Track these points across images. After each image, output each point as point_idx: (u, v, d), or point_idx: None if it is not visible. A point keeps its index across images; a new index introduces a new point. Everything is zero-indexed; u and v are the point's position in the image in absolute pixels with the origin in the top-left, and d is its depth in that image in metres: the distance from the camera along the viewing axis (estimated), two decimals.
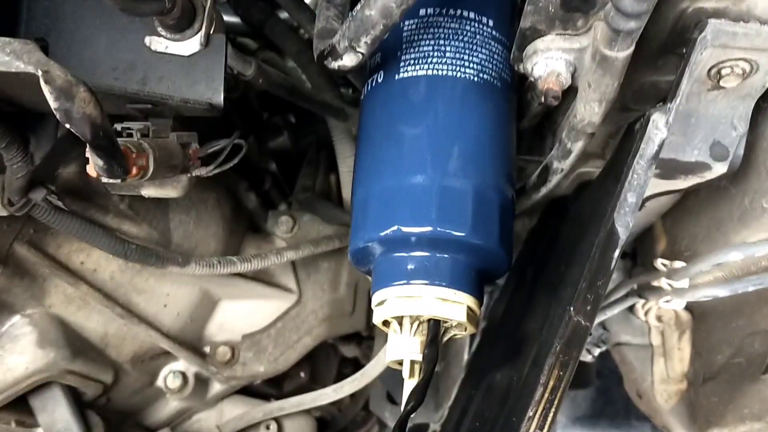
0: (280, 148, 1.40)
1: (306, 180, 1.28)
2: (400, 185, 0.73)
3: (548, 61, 0.64)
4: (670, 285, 0.86)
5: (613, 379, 1.48)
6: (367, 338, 1.42)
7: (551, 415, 0.54)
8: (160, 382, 1.14)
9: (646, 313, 1.04)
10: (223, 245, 1.10)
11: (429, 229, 0.70)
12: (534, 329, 0.79)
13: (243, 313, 1.17)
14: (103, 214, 0.93)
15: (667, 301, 0.87)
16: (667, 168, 0.75)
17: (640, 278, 0.92)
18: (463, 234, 0.70)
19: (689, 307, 1.01)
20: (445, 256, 0.71)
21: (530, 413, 0.55)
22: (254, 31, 1.33)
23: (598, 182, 0.81)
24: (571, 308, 0.56)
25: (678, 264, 0.86)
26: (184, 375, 1.14)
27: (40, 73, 0.51)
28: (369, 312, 1.32)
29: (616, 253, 0.58)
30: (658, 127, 0.62)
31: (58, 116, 0.53)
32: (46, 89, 0.52)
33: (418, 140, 0.74)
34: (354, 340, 1.44)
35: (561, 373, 0.55)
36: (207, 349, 1.16)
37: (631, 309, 1.07)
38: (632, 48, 0.60)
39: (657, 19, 0.64)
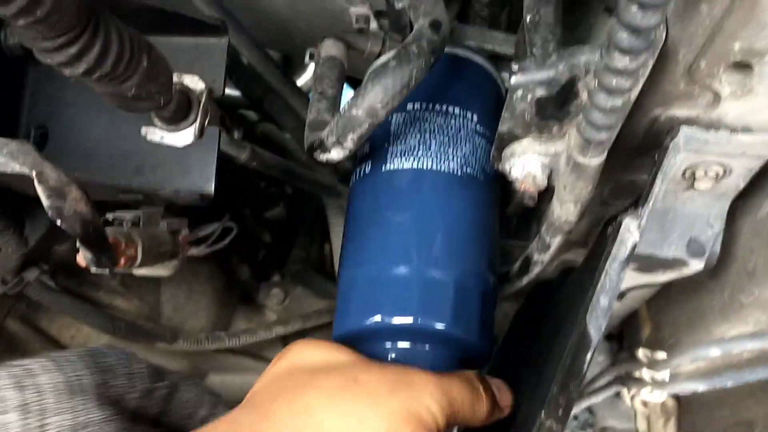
0: (276, 218, 1.43)
1: (300, 251, 1.30)
2: (383, 274, 0.74)
3: (525, 163, 0.67)
4: (651, 377, 0.86)
5: None
6: None
7: None
8: None
9: (632, 398, 1.04)
10: (214, 318, 1.11)
11: (410, 320, 0.71)
12: (516, 417, 0.79)
13: (231, 387, 1.17)
14: (95, 290, 0.95)
15: (649, 392, 0.88)
16: (645, 263, 0.77)
17: (623, 367, 0.93)
18: (443, 326, 0.71)
19: (675, 396, 1.02)
20: (426, 347, 0.72)
21: None
22: (254, 105, 1.38)
23: (579, 273, 0.83)
24: (542, 412, 0.57)
25: (660, 355, 0.87)
26: None
27: (34, 174, 0.53)
28: None
29: (588, 356, 0.59)
30: (630, 230, 0.64)
31: (49, 214, 0.55)
32: (39, 189, 0.54)
33: (403, 231, 0.76)
34: None
35: None
36: None
37: (618, 393, 1.07)
38: (604, 155, 0.62)
39: (630, 124, 0.67)
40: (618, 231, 0.63)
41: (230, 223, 0.85)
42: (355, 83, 1.13)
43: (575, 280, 0.82)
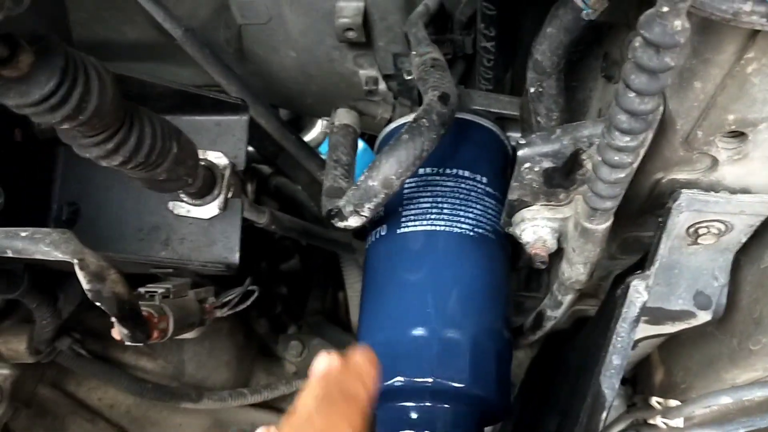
0: (292, 270, 1.46)
1: (315, 303, 1.33)
2: (402, 336, 0.77)
3: (535, 228, 0.70)
4: (665, 424, 0.88)
5: None
6: None
7: None
8: None
9: None
10: (235, 372, 1.14)
11: (430, 380, 0.74)
12: None
13: None
14: (122, 352, 0.98)
15: None
16: (655, 316, 0.79)
17: (637, 414, 0.95)
18: (462, 385, 0.74)
19: None
20: (446, 406, 0.75)
21: None
22: (267, 160, 1.42)
23: (592, 326, 0.85)
24: None
25: (672, 403, 0.89)
26: None
27: (75, 261, 0.57)
28: None
29: (603, 415, 0.62)
30: (639, 291, 0.67)
31: (90, 296, 0.59)
32: (80, 274, 0.58)
33: (419, 292, 0.79)
34: None
35: None
36: None
37: None
38: (611, 220, 0.65)
39: (634, 187, 0.70)
40: (627, 293, 0.66)
41: (252, 287, 0.88)
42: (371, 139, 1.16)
43: (587, 334, 0.85)
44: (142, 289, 0.73)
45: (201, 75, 0.97)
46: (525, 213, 0.70)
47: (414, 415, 0.75)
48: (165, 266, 0.73)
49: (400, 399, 0.76)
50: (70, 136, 0.55)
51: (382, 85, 1.10)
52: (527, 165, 0.65)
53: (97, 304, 0.59)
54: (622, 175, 0.58)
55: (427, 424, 0.74)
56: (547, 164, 0.65)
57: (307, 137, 1.54)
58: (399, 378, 0.75)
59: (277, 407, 1.20)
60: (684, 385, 0.97)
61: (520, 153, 0.65)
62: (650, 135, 0.59)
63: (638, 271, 0.68)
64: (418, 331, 0.76)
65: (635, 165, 0.61)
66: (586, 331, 0.89)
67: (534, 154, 0.64)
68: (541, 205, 0.70)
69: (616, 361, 0.64)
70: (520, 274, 1.01)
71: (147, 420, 1.04)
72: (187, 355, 1.07)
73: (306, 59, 1.10)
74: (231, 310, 0.89)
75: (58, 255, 0.57)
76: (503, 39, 0.93)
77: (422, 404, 0.75)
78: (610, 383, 0.63)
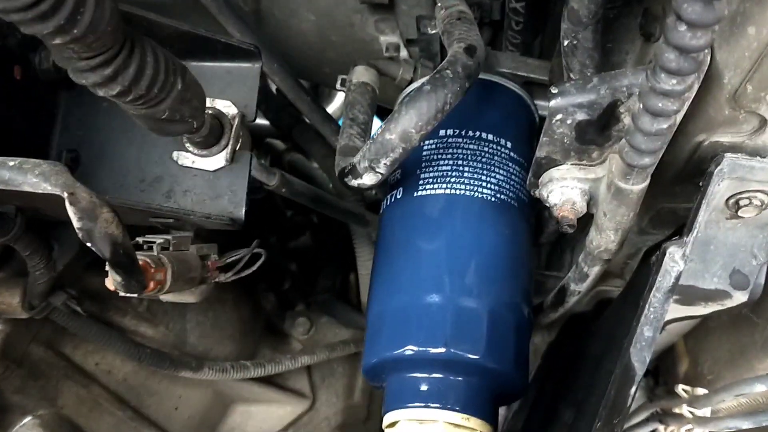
0: (302, 248, 1.42)
1: (326, 280, 1.29)
2: (415, 303, 0.72)
3: (563, 189, 0.65)
4: (691, 413, 0.83)
5: None
6: None
7: None
8: None
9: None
10: (239, 346, 1.10)
11: (443, 350, 0.69)
12: None
13: (254, 417, 1.15)
14: (121, 316, 0.94)
15: (688, 430, 0.84)
16: (687, 294, 0.74)
17: (661, 403, 0.89)
18: (477, 357, 0.69)
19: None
20: (459, 378, 0.70)
21: None
22: (282, 135, 1.38)
23: (618, 305, 0.80)
24: None
25: (700, 391, 0.83)
26: None
27: (65, 195, 0.53)
28: None
29: (633, 390, 0.56)
30: (675, 260, 0.62)
31: (80, 235, 0.54)
32: (70, 210, 0.53)
33: (435, 258, 0.74)
34: None
35: None
36: None
37: (654, 431, 1.03)
38: (647, 181, 0.60)
39: (673, 150, 0.65)
40: (662, 260, 0.61)
41: (259, 250, 0.84)
42: (385, 113, 1.12)
43: (614, 313, 0.80)
44: (139, 239, 0.69)
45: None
46: (554, 172, 0.65)
47: (424, 387, 0.70)
48: (165, 215, 0.69)
49: (410, 369, 0.71)
50: (65, 57, 0.50)
51: (403, 52, 1.06)
52: (559, 117, 0.60)
53: (89, 245, 0.55)
54: (665, 125, 0.53)
55: (437, 397, 0.69)
56: (581, 117, 0.60)
57: None
58: (410, 347, 0.70)
59: (280, 384, 1.16)
60: (711, 375, 0.91)
61: (552, 103, 0.60)
62: (697, 84, 0.54)
63: (676, 237, 0.63)
64: (433, 298, 0.71)
65: (679, 116, 0.55)
66: (610, 311, 0.84)
67: (567, 105, 0.59)
68: (572, 164, 0.64)
69: (647, 333, 0.58)
70: (540, 251, 0.96)
71: (145, 389, 1.00)
72: (190, 324, 1.03)
73: (325, 24, 1.06)
74: (236, 275, 0.85)
75: (47, 187, 0.53)
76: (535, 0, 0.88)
77: (433, 375, 0.70)
78: (640, 356, 0.57)
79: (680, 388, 0.85)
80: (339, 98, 1.52)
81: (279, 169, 0.90)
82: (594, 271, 0.73)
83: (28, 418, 0.90)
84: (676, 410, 0.85)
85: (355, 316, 1.18)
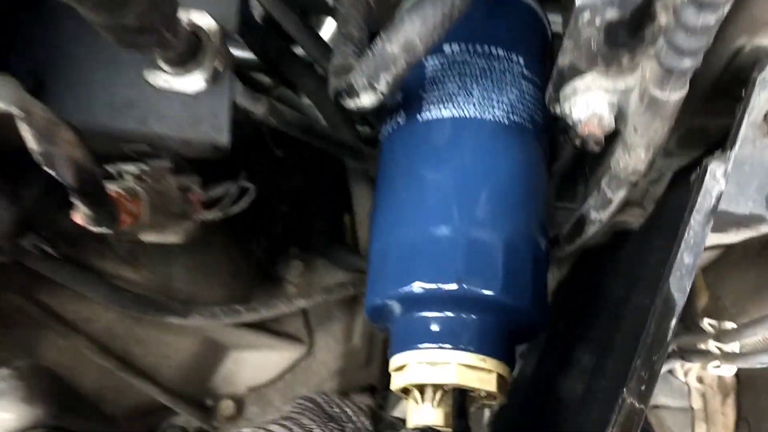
0: (294, 189, 1.34)
1: (320, 223, 1.22)
2: (422, 236, 0.66)
3: (589, 102, 0.58)
4: (719, 349, 0.77)
5: None
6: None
7: None
8: None
9: (686, 374, 0.95)
10: (230, 292, 1.03)
11: (455, 286, 0.62)
12: (571, 395, 0.71)
13: (249, 364, 1.10)
14: (101, 260, 0.86)
15: (716, 366, 0.79)
16: (719, 221, 0.67)
17: (683, 339, 0.84)
18: (492, 293, 0.62)
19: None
20: (473, 317, 0.64)
21: None
22: (269, 68, 1.29)
23: (640, 236, 0.74)
24: (624, 390, 0.48)
25: (728, 325, 0.78)
26: (185, 430, 1.07)
27: (17, 112, 0.45)
28: (385, 364, 1.24)
29: (673, 322, 0.50)
30: (716, 177, 0.55)
31: (39, 160, 0.47)
32: (26, 131, 0.46)
33: (443, 187, 0.67)
34: (367, 391, 1.35)
35: None
36: (210, 403, 1.09)
37: (670, 369, 0.98)
38: (686, 88, 0.53)
39: (709, 57, 0.58)
40: (703, 179, 0.54)
41: (247, 183, 0.76)
42: None
43: (636, 245, 0.73)
44: (111, 168, 0.62)
45: None
46: (578, 83, 0.58)
47: (435, 327, 0.64)
48: (138, 139, 0.61)
49: (419, 308, 0.65)
50: None
51: None
52: (587, 16, 0.53)
53: (49, 170, 0.47)
54: (712, 19, 0.46)
55: (449, 337, 0.63)
56: (611, 15, 0.52)
57: None
58: (419, 284, 0.63)
59: (275, 329, 1.10)
60: (734, 309, 0.86)
61: (579, 0, 0.52)
62: None
63: (718, 150, 0.56)
64: (441, 230, 0.65)
65: (726, 8, 0.48)
66: (629, 246, 0.78)
67: (597, 1, 0.52)
68: (599, 72, 0.57)
69: (687, 259, 0.52)
70: (552, 180, 0.89)
71: (131, 337, 0.94)
72: (176, 268, 0.96)
73: None
74: (223, 212, 0.78)
75: None
76: None
77: (445, 314, 0.64)
78: (680, 285, 0.51)
79: (706, 323, 0.80)
80: (329, 25, 1.42)
81: None
82: (619, 196, 0.66)
83: (4, 371, 0.84)
84: (701, 346, 0.79)
85: (353, 258, 1.12)
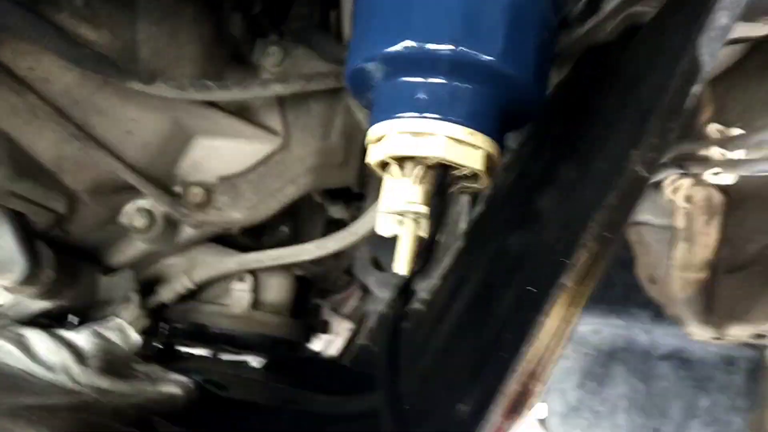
0: None
1: (302, 8, 1.11)
2: None
3: None
4: (723, 154, 0.73)
5: (614, 263, 1.38)
6: (358, 198, 1.30)
7: (587, 289, 0.43)
8: (123, 219, 1.03)
9: (674, 191, 0.91)
10: (200, 69, 0.95)
11: (449, 47, 0.55)
12: (556, 197, 0.67)
13: (220, 153, 1.04)
14: (56, 11, 0.77)
15: (715, 174, 0.74)
16: (749, 9, 0.60)
17: (683, 146, 0.78)
18: (492, 58, 0.55)
19: (725, 189, 0.89)
20: (466, 86, 0.57)
21: (563, 282, 0.43)
22: None
23: (654, 26, 0.66)
24: (631, 154, 0.43)
25: (735, 131, 0.72)
26: (150, 214, 1.02)
27: None
28: (362, 167, 1.19)
29: (695, 88, 0.44)
30: None
31: None
32: None
33: None
34: (342, 199, 1.32)
35: (608, 234, 0.42)
36: (178, 189, 1.04)
37: (657, 186, 0.94)
38: None
39: None
40: None
41: None
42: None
43: (654, 30, 0.66)
44: None
45: None
46: None
47: (422, 95, 0.58)
48: None
49: (406, 72, 0.58)
50: None
51: None
52: None
53: None
54: None
55: (438, 107, 0.57)
56: None
57: None
58: (407, 42, 0.56)
59: (249, 118, 1.03)
60: (741, 122, 0.81)
61: None
62: None
63: None
64: None
65: None
66: (645, 32, 0.70)
67: None
68: None
69: (723, 19, 0.45)
70: None
71: (91, 106, 0.86)
72: (141, 36, 0.87)
73: None
74: None
75: None
76: None
77: (434, 80, 0.57)
78: (711, 48, 0.44)
79: (713, 127, 0.74)
80: None
81: None
82: None
83: None
84: (703, 152, 0.74)
85: (336, 47, 1.03)
